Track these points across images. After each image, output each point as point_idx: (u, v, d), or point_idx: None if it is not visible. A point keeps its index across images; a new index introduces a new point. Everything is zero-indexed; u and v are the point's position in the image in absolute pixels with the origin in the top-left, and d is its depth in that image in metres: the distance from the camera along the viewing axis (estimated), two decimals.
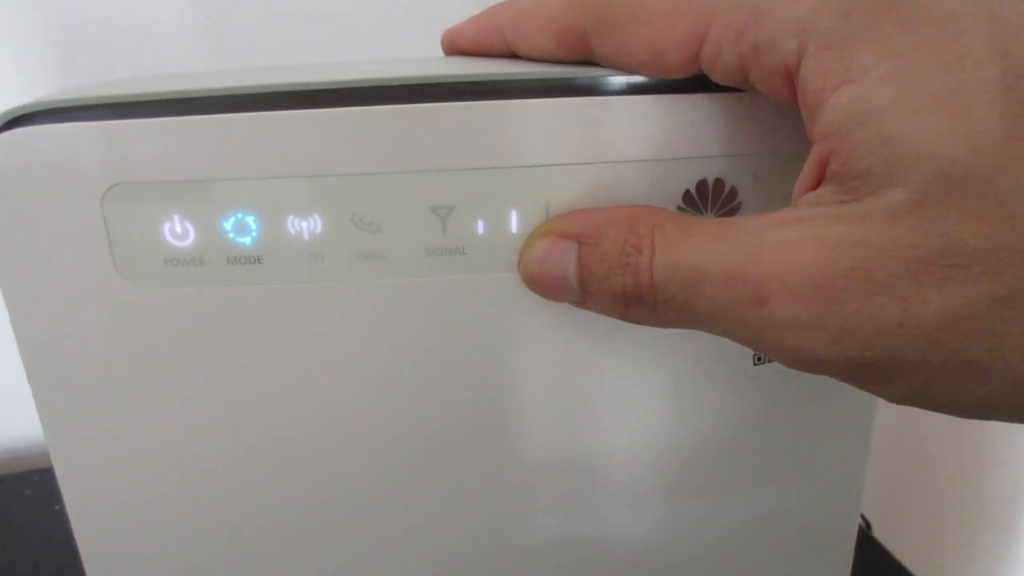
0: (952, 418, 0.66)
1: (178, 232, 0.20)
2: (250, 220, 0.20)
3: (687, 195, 0.21)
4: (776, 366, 0.23)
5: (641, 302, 0.18)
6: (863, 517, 0.47)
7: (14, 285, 0.21)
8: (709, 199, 0.21)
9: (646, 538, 0.26)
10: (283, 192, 0.20)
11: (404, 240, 0.21)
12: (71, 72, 0.48)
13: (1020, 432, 0.73)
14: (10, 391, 0.51)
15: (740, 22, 0.17)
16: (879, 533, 0.47)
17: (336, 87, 0.20)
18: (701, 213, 0.21)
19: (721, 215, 0.21)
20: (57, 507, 0.54)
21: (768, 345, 0.16)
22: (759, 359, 0.24)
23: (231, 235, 0.20)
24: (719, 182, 0.21)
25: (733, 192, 0.21)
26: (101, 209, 0.20)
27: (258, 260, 0.21)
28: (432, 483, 0.24)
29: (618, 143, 0.20)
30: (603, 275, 0.19)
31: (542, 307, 0.22)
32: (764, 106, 0.20)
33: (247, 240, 0.20)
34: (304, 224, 0.20)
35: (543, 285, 0.20)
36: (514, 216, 0.21)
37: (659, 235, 0.18)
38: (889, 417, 0.76)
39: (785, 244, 0.16)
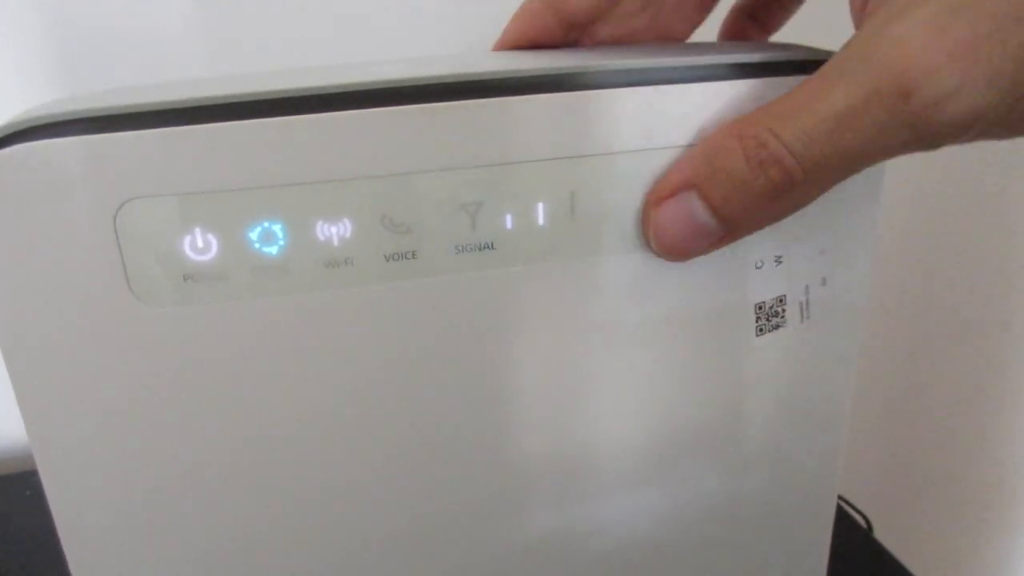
0: (952, 418, 0.68)
1: (199, 246, 0.19)
2: (277, 228, 0.19)
3: None
4: (765, 348, 0.25)
5: (792, 184, 0.18)
6: (864, 517, 0.47)
7: (18, 318, 0.19)
8: None
9: (637, 524, 0.26)
10: (313, 198, 0.19)
11: (434, 239, 0.20)
12: (72, 75, 0.48)
13: (1020, 432, 0.73)
14: (11, 392, 0.55)
15: None
16: (879, 533, 0.46)
17: (362, 88, 0.19)
18: None
19: None
20: None
21: (932, 128, 0.17)
22: (761, 331, 0.25)
23: (256, 245, 0.20)
24: None
25: None
26: (114, 227, 0.19)
27: (284, 270, 0.20)
28: (461, 474, 0.24)
29: (634, 132, 0.21)
30: (742, 189, 0.19)
31: (570, 294, 0.22)
32: (766, 96, 0.21)
33: (273, 250, 0.20)
34: (333, 229, 0.20)
35: (683, 244, 0.20)
36: (541, 208, 0.21)
37: (769, 122, 0.18)
38: (889, 417, 0.78)
39: (898, 40, 0.17)
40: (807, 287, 0.25)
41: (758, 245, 0.23)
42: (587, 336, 0.23)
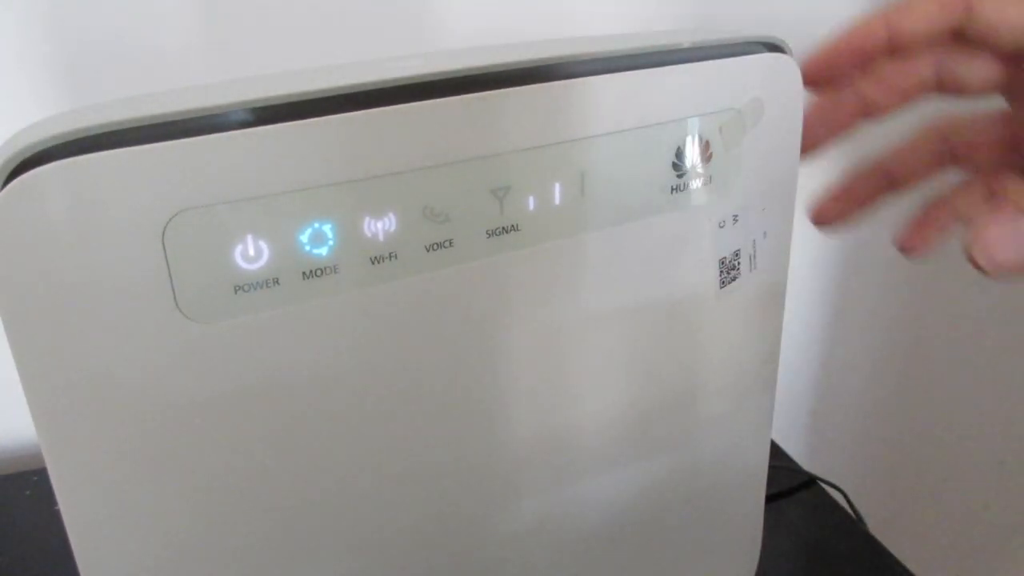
0: (952, 419, 0.72)
1: (251, 254, 0.19)
2: (327, 228, 0.19)
3: (678, 152, 0.24)
4: (724, 300, 0.28)
5: None
6: (856, 511, 0.47)
7: (64, 344, 0.18)
8: (694, 152, 0.24)
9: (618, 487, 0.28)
10: (361, 194, 0.19)
11: (469, 225, 0.21)
12: (75, 82, 0.47)
13: (1020, 432, 0.73)
14: (10, 392, 0.50)
15: None
16: (879, 533, 0.46)
17: (402, 83, 0.19)
18: (688, 165, 0.25)
19: (700, 166, 0.25)
20: (57, 507, 0.47)
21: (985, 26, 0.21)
22: (723, 284, 0.28)
23: (307, 248, 0.19)
24: (698, 137, 0.24)
25: (708, 144, 0.25)
26: (162, 243, 0.18)
27: (333, 270, 0.20)
28: (500, 439, 0.25)
29: (624, 113, 0.23)
30: None
31: (585, 267, 0.24)
32: (714, 73, 0.24)
33: (323, 250, 0.19)
34: (379, 224, 0.20)
35: (1018, 258, 0.21)
36: (557, 188, 0.22)
37: None
38: (889, 417, 0.80)
39: None
40: (754, 241, 0.28)
41: (721, 207, 0.26)
42: (602, 307, 0.25)
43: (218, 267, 0.18)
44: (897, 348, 0.76)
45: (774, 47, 0.25)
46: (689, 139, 0.24)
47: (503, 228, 0.22)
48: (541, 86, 0.21)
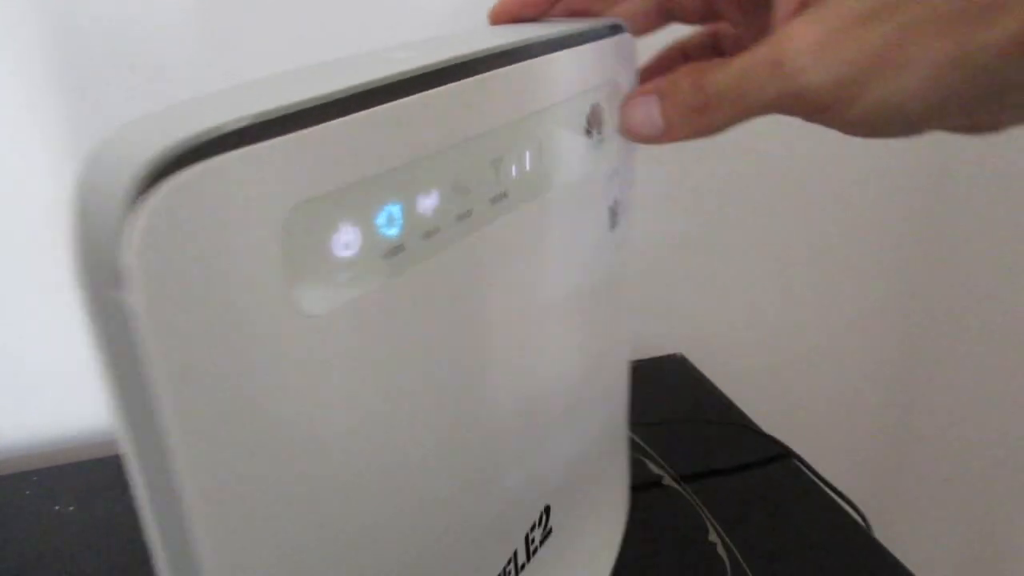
0: (952, 419, 0.79)
1: (345, 241, 0.19)
2: (395, 210, 0.21)
3: (588, 118, 0.29)
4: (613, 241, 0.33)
5: (707, 107, 0.25)
6: (861, 515, 0.48)
7: (179, 351, 0.16)
8: (595, 118, 0.30)
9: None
10: (416, 175, 0.21)
11: (481, 195, 0.24)
12: (69, 70, 0.48)
13: (1020, 432, 0.73)
14: (10, 392, 0.53)
15: None
16: (879, 533, 0.47)
17: (448, 65, 0.22)
18: (593, 128, 0.30)
19: (598, 128, 0.30)
20: (57, 507, 0.48)
21: (792, 89, 0.24)
22: (613, 226, 0.33)
23: (383, 230, 0.20)
24: (597, 104, 0.29)
25: (602, 110, 0.30)
26: (281, 237, 0.17)
27: (401, 248, 0.21)
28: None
29: (561, 87, 0.27)
30: (681, 103, 0.26)
31: (551, 223, 0.28)
32: (604, 50, 0.29)
33: (394, 231, 0.21)
34: (428, 201, 0.22)
35: (638, 129, 0.28)
36: (528, 156, 0.26)
37: (710, 68, 0.26)
38: (890, 418, 0.81)
39: (786, 30, 0.24)
40: (621, 190, 0.34)
41: (608, 162, 0.31)
42: (564, 253, 0.29)
43: (323, 257, 0.19)
44: (898, 348, 0.78)
45: (617, 28, 0.31)
46: (595, 106, 0.29)
47: (500, 195, 0.25)
48: (515, 67, 0.24)
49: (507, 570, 0.31)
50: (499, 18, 0.30)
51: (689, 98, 0.26)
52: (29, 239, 0.52)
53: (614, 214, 0.33)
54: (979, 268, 0.73)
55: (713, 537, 0.46)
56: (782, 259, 0.72)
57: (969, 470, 0.77)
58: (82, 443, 0.56)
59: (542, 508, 0.33)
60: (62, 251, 0.52)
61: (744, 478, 0.51)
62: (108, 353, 0.16)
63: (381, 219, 0.20)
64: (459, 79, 0.22)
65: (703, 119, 0.26)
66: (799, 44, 0.23)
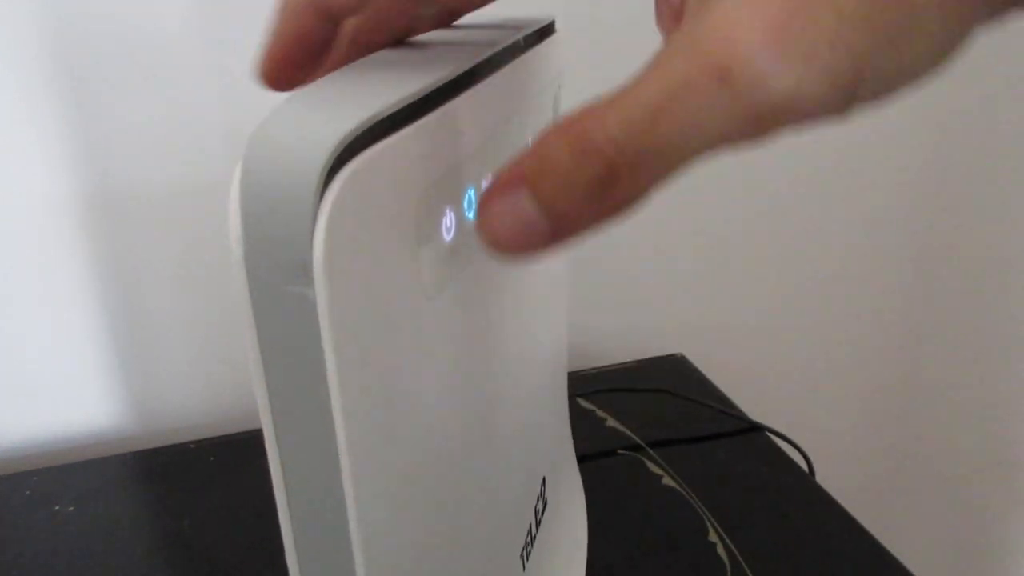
0: (952, 419, 0.77)
1: (448, 225, 0.19)
2: (472, 193, 0.21)
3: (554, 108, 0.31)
4: None
5: (616, 176, 0.17)
6: (806, 457, 0.50)
7: (353, 334, 0.17)
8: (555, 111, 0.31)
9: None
10: (479, 159, 0.21)
11: None
12: (69, 70, 0.48)
13: (1020, 432, 0.73)
14: (11, 392, 0.53)
15: None
16: (879, 533, 0.46)
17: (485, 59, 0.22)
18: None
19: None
20: (57, 507, 0.49)
21: (753, 112, 0.16)
22: None
23: (469, 214, 0.21)
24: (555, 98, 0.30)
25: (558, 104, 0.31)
26: (415, 225, 0.18)
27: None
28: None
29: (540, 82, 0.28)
30: (568, 183, 0.17)
31: None
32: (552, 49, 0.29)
33: (472, 215, 0.21)
34: (484, 184, 0.22)
35: (512, 241, 0.18)
36: (529, 144, 0.26)
37: (597, 112, 0.17)
38: (890, 417, 0.80)
39: (716, 20, 0.16)
40: None
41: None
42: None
43: (434, 240, 0.19)
44: (898, 348, 0.77)
45: (551, 27, 0.30)
46: (554, 100, 0.30)
47: None
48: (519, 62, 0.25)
49: (527, 541, 0.32)
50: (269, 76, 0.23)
51: (579, 170, 0.17)
52: (29, 239, 0.52)
53: None
54: (979, 268, 0.73)
55: (713, 537, 0.46)
56: (783, 259, 0.72)
57: (969, 470, 0.77)
58: (82, 443, 0.57)
59: (540, 479, 0.34)
60: (62, 251, 0.52)
61: (744, 478, 0.51)
62: (277, 347, 0.16)
63: (466, 202, 0.20)
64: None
65: (615, 194, 0.17)
66: (747, 36, 0.16)
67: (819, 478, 0.51)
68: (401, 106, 0.17)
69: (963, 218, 0.73)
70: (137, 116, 0.50)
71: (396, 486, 0.19)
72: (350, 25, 0.23)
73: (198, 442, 0.54)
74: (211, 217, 0.53)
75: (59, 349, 0.54)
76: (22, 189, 0.50)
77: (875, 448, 0.83)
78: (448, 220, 0.20)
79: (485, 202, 0.18)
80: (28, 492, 0.50)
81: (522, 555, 0.31)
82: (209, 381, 0.58)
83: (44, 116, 0.49)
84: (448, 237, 0.20)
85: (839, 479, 0.52)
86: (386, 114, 0.16)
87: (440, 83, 0.19)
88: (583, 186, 0.17)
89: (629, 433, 0.55)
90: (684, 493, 0.49)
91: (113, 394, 0.57)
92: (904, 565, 0.44)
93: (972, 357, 0.76)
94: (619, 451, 0.53)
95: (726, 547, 0.45)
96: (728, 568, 0.43)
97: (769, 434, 0.55)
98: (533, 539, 0.32)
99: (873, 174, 0.71)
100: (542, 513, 0.34)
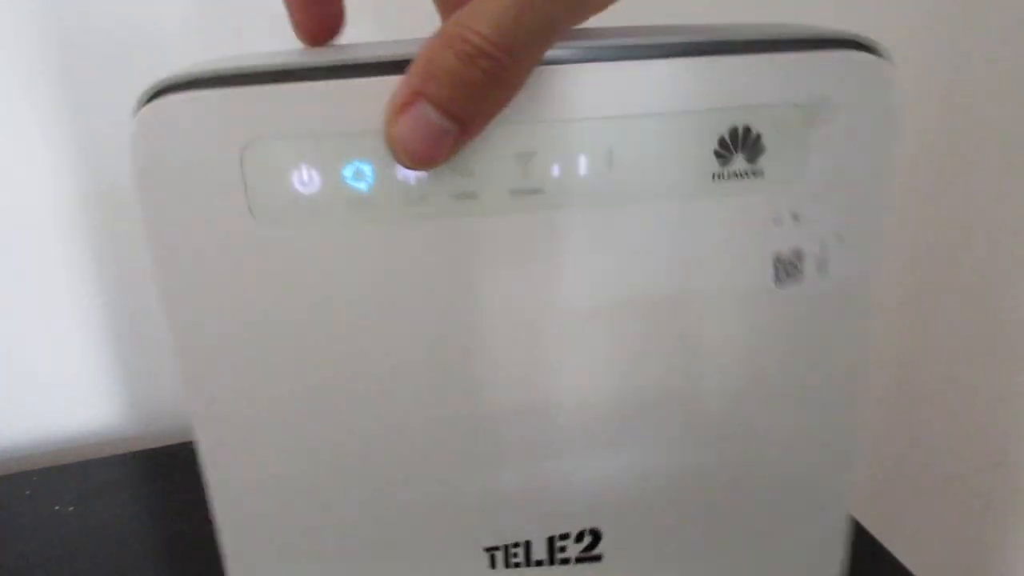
0: (952, 418, 0.74)
1: (304, 180, 0.23)
2: (366, 168, 0.23)
3: (721, 141, 0.25)
4: (782, 299, 0.27)
5: (503, 70, 0.20)
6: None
7: (162, 232, 0.24)
8: (739, 143, 0.25)
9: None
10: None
11: (492, 182, 0.24)
12: (69, 70, 0.49)
13: (1020, 432, 0.72)
14: (10, 392, 0.53)
15: None
16: (879, 533, 0.46)
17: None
18: (732, 155, 0.25)
19: (748, 157, 0.25)
20: (57, 507, 0.49)
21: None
22: (778, 280, 0.27)
23: (350, 181, 0.23)
24: (747, 129, 0.25)
25: (759, 137, 0.25)
26: (240, 163, 0.23)
27: (373, 204, 0.24)
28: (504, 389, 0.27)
29: (662, 98, 0.24)
30: (463, 85, 0.20)
31: (606, 231, 0.26)
32: (775, 66, 0.24)
33: (363, 186, 0.24)
34: (411, 172, 0.23)
35: (427, 150, 0.21)
36: (583, 160, 0.24)
37: (466, 21, 0.20)
38: (890, 418, 0.78)
39: None
40: (823, 243, 0.26)
41: (776, 203, 0.26)
42: (625, 282, 0.26)
43: (280, 187, 0.23)
44: (896, 347, 0.77)
45: (860, 45, 0.25)
46: (734, 129, 0.25)
47: (527, 189, 0.24)
48: (562, 67, 0.23)
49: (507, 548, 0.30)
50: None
51: (468, 69, 0.20)
52: (29, 238, 0.52)
53: (788, 268, 0.26)
54: (979, 268, 0.73)
55: None
56: None
57: (969, 470, 0.77)
58: (82, 443, 0.56)
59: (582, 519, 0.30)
60: (63, 251, 0.52)
61: None
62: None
63: (349, 172, 0.23)
64: None
65: (504, 83, 0.21)
66: None
67: None
68: (224, 73, 0.22)
69: (964, 217, 0.73)
70: None
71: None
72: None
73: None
74: None
75: (59, 349, 0.54)
76: (22, 189, 0.50)
77: (875, 448, 0.82)
78: (305, 175, 0.23)
79: (389, 123, 0.21)
80: (28, 492, 0.50)
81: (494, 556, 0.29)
82: None
83: (45, 116, 0.49)
84: (305, 190, 0.24)
85: None
86: (210, 73, 0.22)
87: (314, 65, 0.23)
88: (476, 84, 0.20)
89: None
90: None
91: (113, 394, 0.56)
92: (904, 565, 0.44)
93: (972, 357, 0.75)
94: None
95: None
96: None
97: None
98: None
99: None
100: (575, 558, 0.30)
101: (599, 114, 0.24)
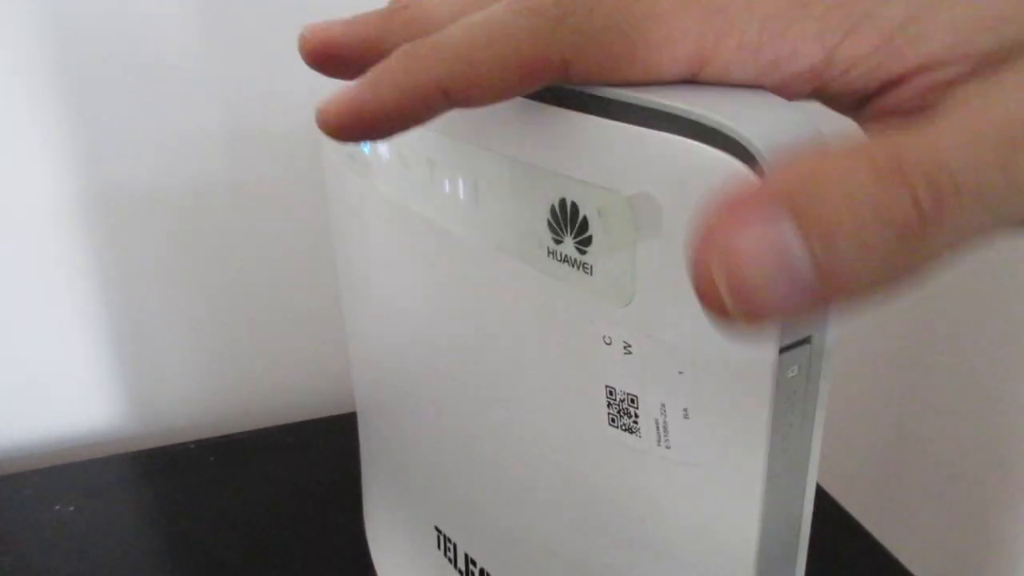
0: (952, 418, 0.74)
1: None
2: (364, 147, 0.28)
3: (552, 211, 0.20)
4: (614, 446, 0.20)
5: (942, 214, 0.13)
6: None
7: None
8: (567, 221, 0.19)
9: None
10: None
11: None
12: (69, 70, 0.48)
13: (1020, 432, 0.72)
14: (11, 392, 0.53)
15: (754, 42, 0.16)
16: (879, 533, 0.45)
17: None
18: (563, 234, 0.19)
19: (578, 244, 0.19)
20: (57, 507, 0.49)
21: None
22: (612, 421, 0.20)
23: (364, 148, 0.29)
24: (574, 206, 0.19)
25: (585, 221, 0.19)
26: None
27: (367, 163, 0.28)
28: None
29: (511, 141, 0.20)
30: (863, 219, 0.12)
31: (482, 274, 0.24)
32: (609, 137, 0.18)
33: (367, 147, 0.28)
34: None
35: (769, 295, 0.12)
36: (461, 183, 0.23)
37: (912, 137, 0.13)
38: (890, 417, 0.79)
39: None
40: (663, 409, 0.18)
41: (603, 318, 0.19)
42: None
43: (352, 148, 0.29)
44: (897, 347, 0.77)
45: (730, 143, 0.16)
46: (563, 201, 0.19)
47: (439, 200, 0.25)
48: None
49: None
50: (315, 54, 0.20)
51: (890, 197, 0.12)
52: (30, 239, 0.52)
53: (621, 411, 0.19)
54: (979, 268, 0.73)
55: None
56: None
57: (969, 470, 0.77)
58: (82, 443, 0.56)
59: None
60: (63, 251, 0.52)
61: None
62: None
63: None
64: None
65: (919, 251, 0.13)
66: None
67: (819, 478, 0.51)
68: None
69: None
70: (138, 117, 0.50)
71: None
72: None
73: (198, 442, 0.54)
74: (213, 217, 0.53)
75: (59, 349, 0.54)
76: (23, 189, 0.50)
77: (875, 448, 0.82)
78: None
79: (720, 230, 0.12)
80: (28, 492, 0.50)
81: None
82: (209, 381, 0.58)
83: (46, 117, 0.49)
84: (366, 151, 0.28)
85: (839, 479, 0.51)
86: None
87: None
88: (889, 223, 0.12)
89: None
90: None
91: (113, 394, 0.56)
92: (904, 565, 0.44)
93: (972, 357, 0.76)
94: None
95: None
96: None
97: None
98: None
99: None
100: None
101: (469, 141, 0.22)
